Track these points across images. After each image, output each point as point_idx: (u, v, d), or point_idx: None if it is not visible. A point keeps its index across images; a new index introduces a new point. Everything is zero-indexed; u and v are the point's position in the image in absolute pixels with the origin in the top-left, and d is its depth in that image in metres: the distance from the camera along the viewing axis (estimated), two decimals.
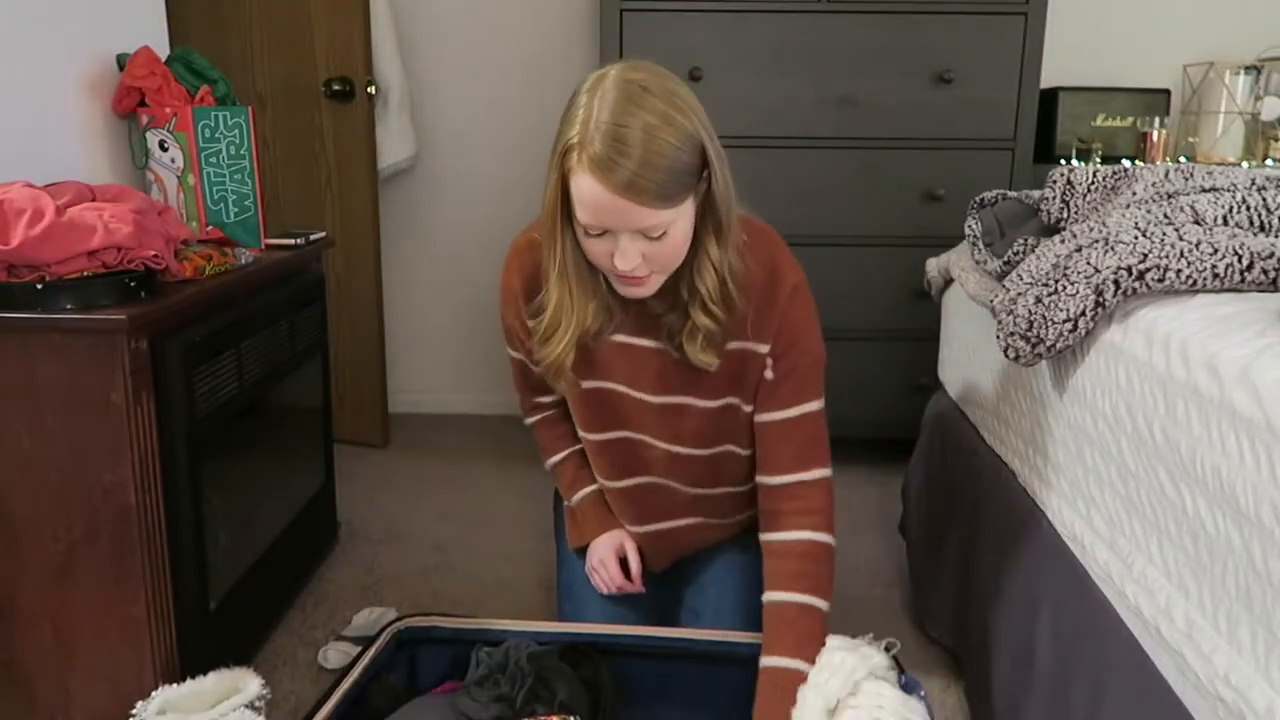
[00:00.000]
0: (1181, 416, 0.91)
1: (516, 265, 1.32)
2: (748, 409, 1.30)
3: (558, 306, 1.22)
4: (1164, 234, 1.12)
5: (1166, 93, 2.58)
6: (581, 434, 1.41)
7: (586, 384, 1.33)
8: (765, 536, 1.30)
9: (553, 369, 1.27)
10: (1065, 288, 1.14)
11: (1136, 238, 1.12)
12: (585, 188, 1.07)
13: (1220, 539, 0.85)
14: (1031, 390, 1.33)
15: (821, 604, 1.24)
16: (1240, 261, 1.06)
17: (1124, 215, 1.25)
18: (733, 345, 1.25)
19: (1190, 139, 2.58)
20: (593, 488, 1.47)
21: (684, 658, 1.35)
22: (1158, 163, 2.41)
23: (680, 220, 1.12)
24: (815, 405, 1.29)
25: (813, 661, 1.19)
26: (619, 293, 1.21)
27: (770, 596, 1.26)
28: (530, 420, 1.53)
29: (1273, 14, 2.68)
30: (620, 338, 1.29)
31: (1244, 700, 0.80)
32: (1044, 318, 1.15)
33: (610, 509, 1.47)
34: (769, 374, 1.27)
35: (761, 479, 1.31)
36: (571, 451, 1.49)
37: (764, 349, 1.25)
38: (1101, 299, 1.10)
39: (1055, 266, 1.21)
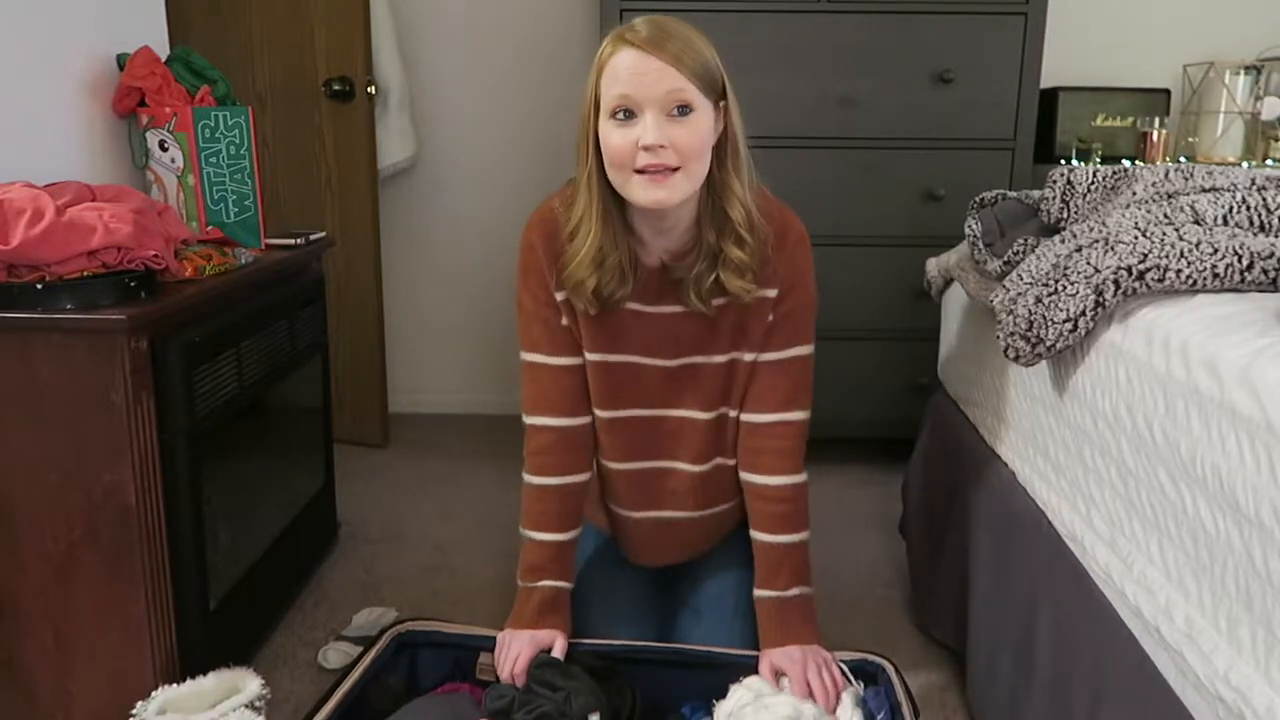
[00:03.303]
0: (1181, 416, 0.91)
1: (537, 225, 1.30)
2: (749, 358, 1.33)
3: (581, 218, 1.24)
4: (1164, 234, 1.12)
5: (1166, 93, 2.58)
6: (597, 413, 1.39)
7: (604, 357, 1.34)
8: (746, 476, 1.38)
9: (576, 289, 1.27)
10: (1065, 288, 1.14)
11: (1136, 238, 1.12)
12: (625, 60, 1.15)
13: (1220, 539, 0.85)
14: (1031, 390, 1.33)
15: (805, 536, 1.36)
16: (1240, 261, 1.06)
17: (1124, 215, 1.25)
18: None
19: (1190, 139, 2.58)
20: (551, 584, 1.36)
21: (686, 666, 1.35)
22: (1158, 163, 2.42)
23: (704, 114, 1.17)
24: (806, 349, 1.35)
25: (807, 585, 1.35)
26: (641, 200, 1.18)
27: (759, 537, 1.36)
28: (528, 478, 1.39)
29: (1273, 14, 2.69)
30: (636, 305, 1.31)
31: (1244, 700, 0.80)
32: (1044, 318, 1.15)
33: (554, 613, 1.35)
34: (770, 317, 1.32)
35: (747, 417, 1.37)
36: (549, 540, 1.36)
37: (772, 294, 1.30)
38: (1101, 299, 1.10)
39: (1055, 266, 1.21)
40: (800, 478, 1.36)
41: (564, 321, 1.33)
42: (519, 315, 1.36)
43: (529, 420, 1.38)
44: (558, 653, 1.30)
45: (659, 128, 1.14)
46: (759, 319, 1.31)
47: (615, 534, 1.53)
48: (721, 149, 1.22)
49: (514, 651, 1.30)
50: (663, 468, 1.41)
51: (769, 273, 1.28)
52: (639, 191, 1.17)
